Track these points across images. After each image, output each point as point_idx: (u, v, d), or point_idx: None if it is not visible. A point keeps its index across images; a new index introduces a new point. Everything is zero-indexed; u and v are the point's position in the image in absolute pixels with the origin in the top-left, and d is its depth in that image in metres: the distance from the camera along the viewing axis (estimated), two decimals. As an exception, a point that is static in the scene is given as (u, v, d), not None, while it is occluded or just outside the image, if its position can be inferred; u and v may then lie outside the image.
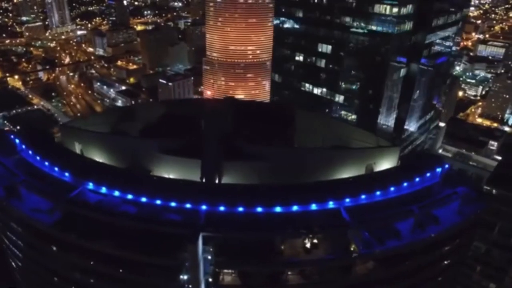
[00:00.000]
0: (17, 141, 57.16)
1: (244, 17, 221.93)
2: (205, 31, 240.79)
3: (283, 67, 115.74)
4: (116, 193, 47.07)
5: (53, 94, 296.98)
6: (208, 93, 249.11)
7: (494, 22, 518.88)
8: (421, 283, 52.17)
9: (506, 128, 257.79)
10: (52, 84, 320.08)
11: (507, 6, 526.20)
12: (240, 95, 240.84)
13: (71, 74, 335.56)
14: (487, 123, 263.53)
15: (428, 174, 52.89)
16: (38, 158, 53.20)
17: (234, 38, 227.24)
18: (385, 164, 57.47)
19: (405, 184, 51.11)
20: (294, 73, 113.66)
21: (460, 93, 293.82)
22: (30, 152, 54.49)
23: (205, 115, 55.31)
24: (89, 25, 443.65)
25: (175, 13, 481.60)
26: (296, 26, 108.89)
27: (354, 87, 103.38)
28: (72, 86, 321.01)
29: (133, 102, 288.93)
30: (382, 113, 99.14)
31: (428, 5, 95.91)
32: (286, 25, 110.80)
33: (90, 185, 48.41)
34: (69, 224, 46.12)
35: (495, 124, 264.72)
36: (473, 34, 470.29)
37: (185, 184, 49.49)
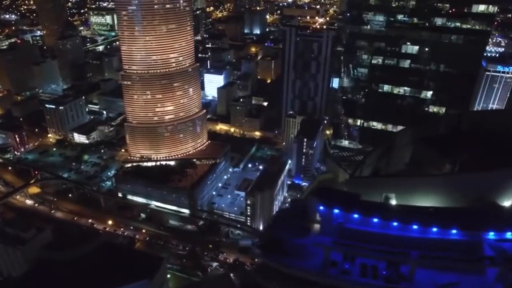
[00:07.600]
0: (335, 211, 44.43)
1: (163, 23, 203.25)
2: (120, 43, 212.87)
3: (355, 71, 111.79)
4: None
5: None
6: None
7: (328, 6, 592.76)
8: None
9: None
10: None
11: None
12: (169, 107, 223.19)
13: None
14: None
15: None
16: (395, 224, 42.60)
17: (156, 47, 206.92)
18: None
19: None
20: (369, 76, 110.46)
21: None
22: (376, 219, 43.21)
23: None
24: None
25: (13, 27, 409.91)
26: (373, 30, 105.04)
27: (443, 83, 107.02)
28: None
29: (16, 136, 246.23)
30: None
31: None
32: (361, 30, 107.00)
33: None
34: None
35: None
36: (317, 18, 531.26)
37: None
